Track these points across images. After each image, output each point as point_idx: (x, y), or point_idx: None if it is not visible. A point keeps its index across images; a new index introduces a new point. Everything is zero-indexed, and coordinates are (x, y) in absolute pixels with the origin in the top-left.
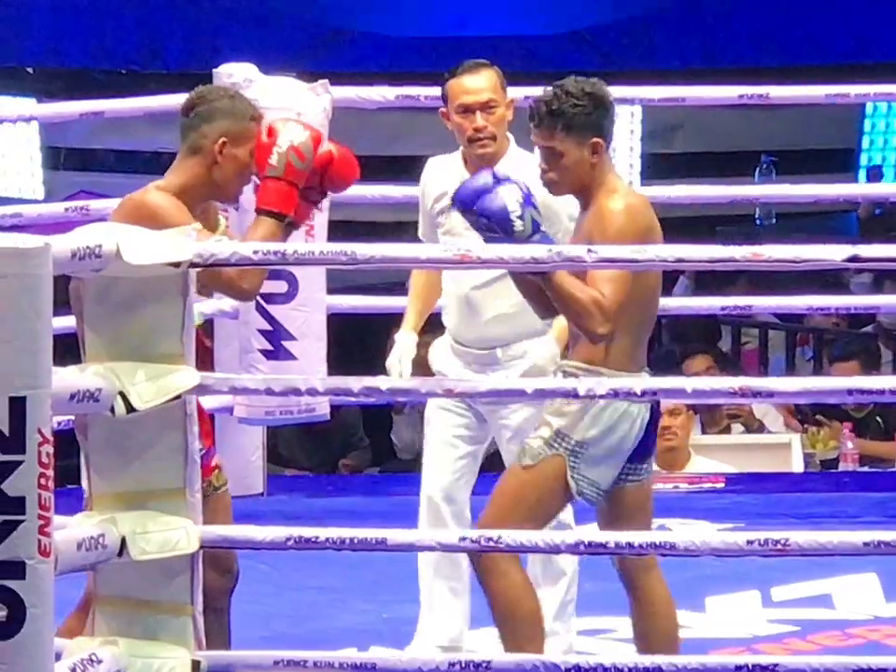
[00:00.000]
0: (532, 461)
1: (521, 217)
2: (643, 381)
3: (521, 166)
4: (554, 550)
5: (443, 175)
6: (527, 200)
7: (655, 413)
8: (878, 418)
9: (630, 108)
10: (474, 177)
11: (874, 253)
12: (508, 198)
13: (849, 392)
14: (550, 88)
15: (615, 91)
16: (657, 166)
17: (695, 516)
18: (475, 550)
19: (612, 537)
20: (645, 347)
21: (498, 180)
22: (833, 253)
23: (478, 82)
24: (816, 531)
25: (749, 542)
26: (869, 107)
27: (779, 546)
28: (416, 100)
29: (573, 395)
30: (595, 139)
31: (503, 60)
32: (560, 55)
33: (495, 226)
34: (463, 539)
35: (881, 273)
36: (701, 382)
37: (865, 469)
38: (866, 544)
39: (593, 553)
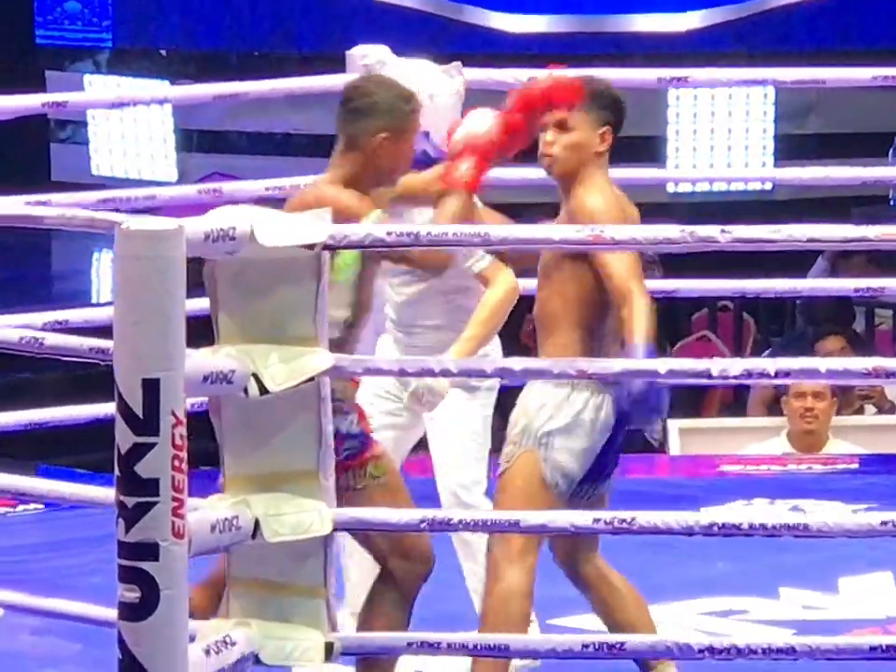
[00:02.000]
0: (507, 463)
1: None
2: (777, 361)
3: None
4: (688, 531)
5: None
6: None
7: (617, 433)
8: None
9: (763, 90)
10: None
11: None
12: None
13: None
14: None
15: (749, 73)
16: (790, 147)
17: (829, 497)
18: (609, 531)
19: (745, 517)
20: (609, 346)
21: None
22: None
23: None
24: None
25: (884, 523)
26: None
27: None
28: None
29: (706, 375)
30: (606, 127)
31: (635, 45)
32: (695, 38)
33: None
34: (597, 520)
35: None
36: (835, 362)
37: None
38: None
39: (728, 535)
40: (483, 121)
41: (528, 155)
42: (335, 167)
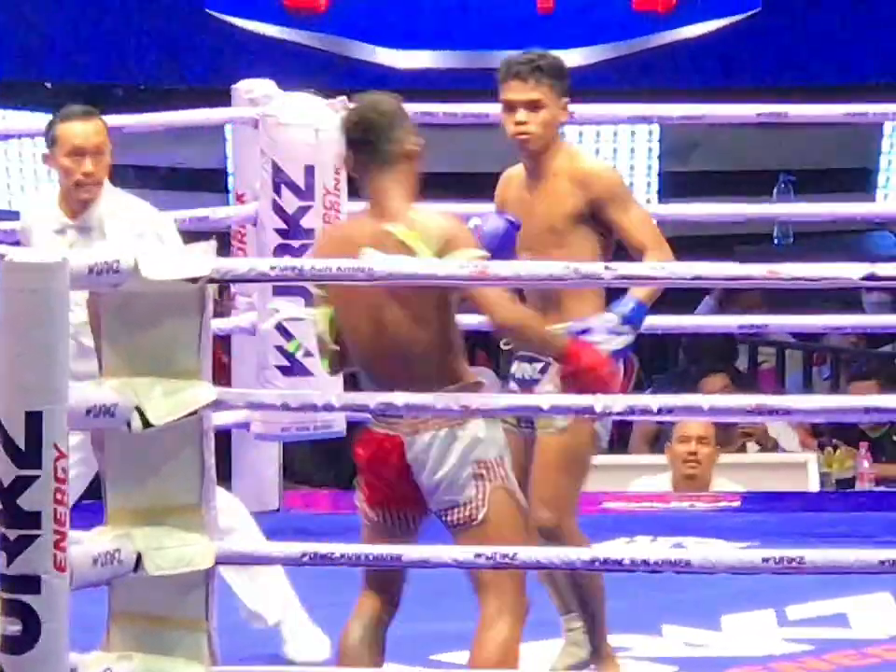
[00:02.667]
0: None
1: (621, 334)
2: (660, 398)
3: (119, 208)
4: (570, 566)
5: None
6: (608, 328)
7: None
8: (895, 438)
9: (648, 127)
10: (489, 223)
11: (891, 271)
12: (607, 346)
13: (866, 411)
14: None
15: (634, 110)
16: (675, 184)
17: (711, 535)
18: (491, 567)
19: (627, 553)
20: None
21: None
22: (850, 271)
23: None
24: (831, 549)
25: (765, 560)
26: (887, 127)
27: (795, 564)
28: (434, 116)
29: (590, 412)
30: (566, 98)
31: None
32: (581, 75)
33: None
34: (478, 555)
35: None
36: (718, 399)
37: (881, 488)
38: (882, 563)
39: (610, 571)
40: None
41: None
42: (391, 189)
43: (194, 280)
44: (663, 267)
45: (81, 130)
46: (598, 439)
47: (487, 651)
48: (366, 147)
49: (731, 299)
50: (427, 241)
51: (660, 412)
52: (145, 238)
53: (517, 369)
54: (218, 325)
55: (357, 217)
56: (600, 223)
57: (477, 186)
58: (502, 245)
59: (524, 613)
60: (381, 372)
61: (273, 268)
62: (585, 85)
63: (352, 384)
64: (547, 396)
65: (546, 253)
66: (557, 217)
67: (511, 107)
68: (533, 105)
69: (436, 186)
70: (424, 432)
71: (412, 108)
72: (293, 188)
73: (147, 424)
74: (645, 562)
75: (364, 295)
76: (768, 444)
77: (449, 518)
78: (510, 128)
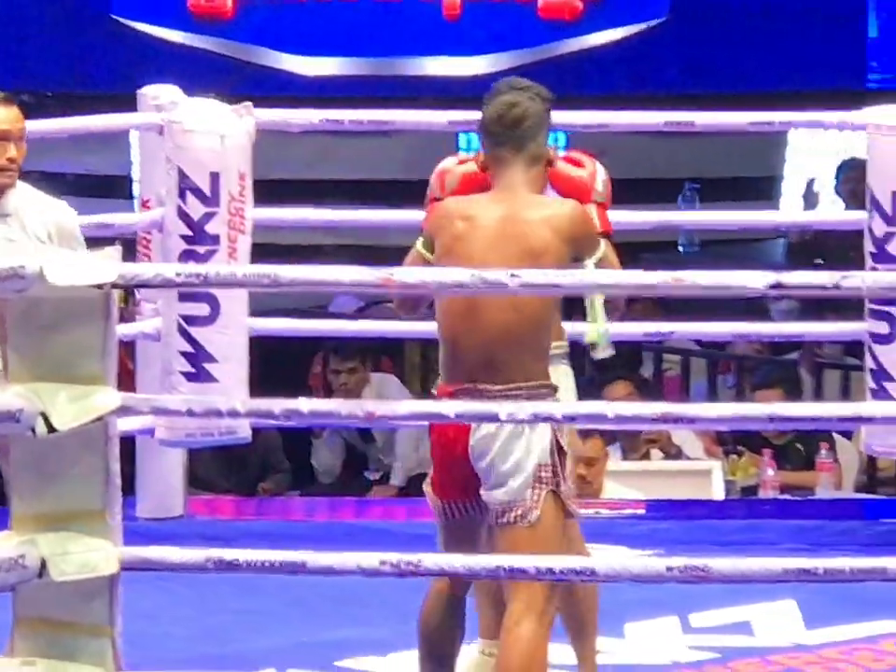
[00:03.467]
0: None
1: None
2: (565, 405)
3: (38, 201)
4: (475, 575)
5: None
6: None
7: None
8: (799, 446)
9: (554, 134)
10: None
11: (797, 280)
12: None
13: (770, 419)
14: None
15: None
16: None
17: (615, 542)
18: (395, 574)
19: (532, 561)
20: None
21: None
22: (755, 280)
23: (12, 114)
24: (736, 558)
25: (669, 569)
26: (791, 135)
27: (699, 572)
28: (340, 123)
29: (495, 419)
30: None
31: (426, 88)
32: (487, 82)
33: None
34: (384, 562)
35: (813, 302)
36: (623, 407)
37: (786, 496)
38: (786, 571)
39: (513, 579)
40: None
41: None
42: (525, 186)
43: (99, 286)
44: (569, 274)
45: (5, 115)
46: None
47: (515, 648)
48: (510, 135)
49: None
50: (563, 231)
51: (565, 419)
52: (64, 234)
53: None
54: (123, 330)
55: (490, 199)
56: None
57: (379, 193)
58: None
59: (553, 611)
60: (464, 348)
61: (178, 274)
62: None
63: (257, 389)
64: (455, 404)
65: None
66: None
67: None
68: None
69: (339, 193)
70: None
71: (316, 115)
72: (198, 194)
73: (51, 429)
74: (550, 570)
75: (489, 264)
76: (672, 451)
77: (499, 514)
78: None
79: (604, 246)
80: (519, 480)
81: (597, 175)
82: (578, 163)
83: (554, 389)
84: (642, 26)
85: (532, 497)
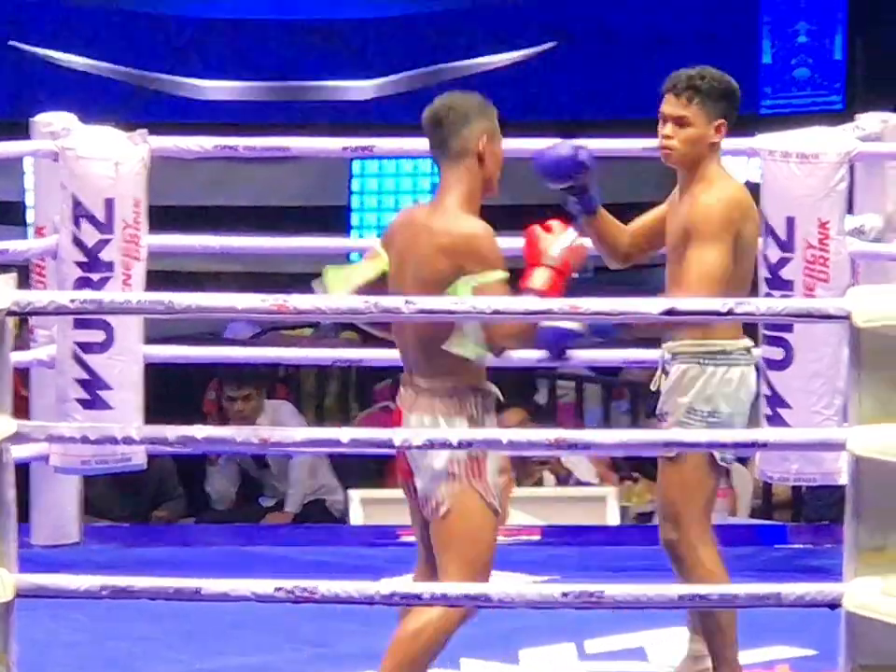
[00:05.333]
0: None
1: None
2: (460, 431)
3: None
4: (369, 601)
5: None
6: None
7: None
8: None
9: None
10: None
11: (691, 306)
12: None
13: (665, 444)
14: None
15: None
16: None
17: (511, 568)
18: (290, 601)
19: (426, 587)
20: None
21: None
22: (649, 306)
23: None
24: (630, 584)
25: (564, 595)
26: None
27: (594, 598)
28: (234, 150)
29: (389, 445)
30: (720, 120)
31: (321, 114)
32: (380, 107)
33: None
34: (278, 588)
35: None
36: (517, 433)
37: None
38: (681, 597)
39: (407, 605)
40: (578, 241)
41: None
42: (451, 185)
43: None
44: (462, 302)
45: None
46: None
47: (413, 618)
48: (434, 138)
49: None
50: (447, 247)
51: (460, 445)
52: None
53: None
54: (17, 358)
55: (425, 205)
56: None
57: (275, 218)
58: (551, 169)
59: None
60: (401, 345)
61: (73, 301)
62: (385, 118)
63: (152, 416)
64: (350, 431)
65: (671, 266)
66: (677, 236)
67: (663, 119)
68: (680, 122)
69: (235, 219)
70: (416, 413)
71: (211, 142)
72: (93, 221)
73: None
74: (444, 596)
75: (406, 267)
76: (562, 473)
77: (422, 504)
78: (658, 139)
79: (494, 277)
80: (430, 473)
81: (557, 242)
82: (548, 228)
83: (478, 389)
84: (535, 50)
85: (444, 491)
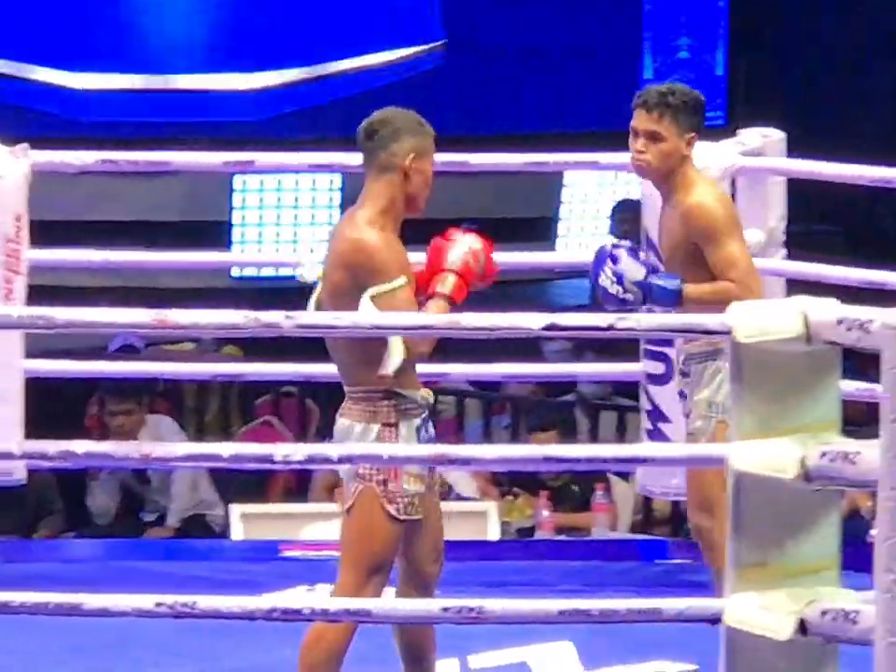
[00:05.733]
0: (703, 436)
1: (627, 291)
2: (340, 447)
3: None
4: (249, 616)
5: None
6: (617, 274)
7: None
8: (574, 487)
9: (330, 176)
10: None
11: (571, 321)
12: (606, 283)
13: (546, 460)
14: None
15: (315, 158)
16: None
17: (390, 583)
18: (171, 615)
19: (307, 602)
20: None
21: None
22: (530, 321)
23: None
24: (512, 599)
25: (445, 610)
26: (567, 176)
27: (475, 614)
28: (116, 165)
29: (269, 460)
30: (692, 134)
31: (203, 129)
32: (263, 123)
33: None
34: (159, 604)
35: (582, 342)
36: (398, 448)
37: (561, 537)
38: (562, 612)
39: (289, 620)
40: (478, 247)
41: None
42: (369, 196)
43: None
44: (343, 317)
45: None
46: None
47: (311, 630)
48: (364, 148)
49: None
50: (343, 259)
51: (340, 461)
52: None
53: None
54: None
55: (349, 209)
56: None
57: (157, 234)
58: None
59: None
60: (331, 355)
61: None
62: (266, 133)
63: (33, 430)
64: (231, 445)
65: (672, 267)
66: (672, 247)
67: (634, 134)
68: (652, 137)
69: (118, 233)
70: (341, 417)
71: (92, 156)
72: None
73: None
74: (324, 611)
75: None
76: (443, 488)
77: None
78: (632, 153)
79: (393, 285)
80: (346, 471)
81: (455, 248)
82: (447, 237)
83: (395, 394)
84: (415, 48)
85: (352, 490)
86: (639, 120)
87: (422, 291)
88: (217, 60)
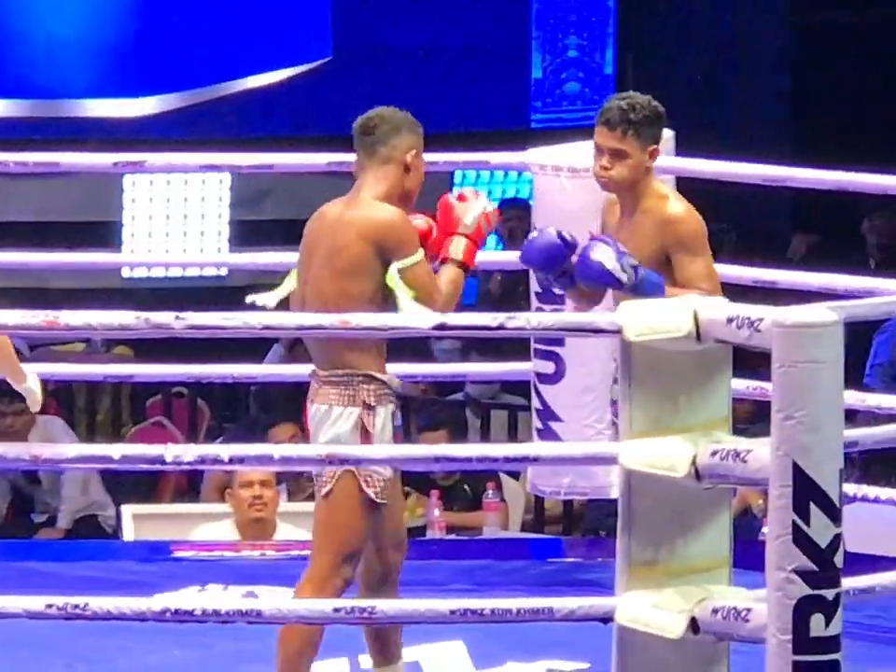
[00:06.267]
0: None
1: (623, 271)
2: (232, 447)
3: None
4: (141, 617)
5: None
6: (619, 252)
7: None
8: (466, 486)
9: (219, 176)
10: (537, 239)
11: (461, 321)
12: (604, 258)
13: (436, 459)
14: (618, 97)
15: (204, 159)
16: (246, 233)
17: (284, 583)
18: (62, 617)
19: (198, 603)
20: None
21: (573, 243)
22: (420, 321)
23: None
24: (403, 599)
25: (336, 610)
26: (458, 175)
27: (366, 614)
28: (5, 166)
29: (160, 461)
30: (653, 146)
31: (92, 130)
32: (151, 123)
33: (599, 286)
34: (49, 605)
35: (469, 342)
36: (288, 449)
37: (453, 536)
38: (453, 612)
39: (181, 621)
40: (490, 209)
41: None
42: (371, 183)
43: None
44: (234, 317)
45: None
46: None
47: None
48: (362, 143)
49: (293, 347)
50: (366, 232)
51: (231, 461)
52: None
53: None
54: None
55: (337, 202)
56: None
57: (48, 234)
58: (544, 263)
59: (339, 581)
60: (305, 338)
61: None
62: (155, 134)
63: None
64: (122, 447)
65: None
66: (642, 257)
67: (598, 151)
68: (616, 154)
69: (8, 234)
70: (315, 402)
71: None
72: None
73: None
74: (216, 612)
75: (312, 261)
76: None
77: (315, 482)
78: (595, 168)
79: (415, 259)
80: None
81: (470, 210)
82: (461, 197)
83: (374, 378)
84: (306, 67)
85: (328, 472)
86: (602, 138)
87: (432, 249)
88: (106, 85)
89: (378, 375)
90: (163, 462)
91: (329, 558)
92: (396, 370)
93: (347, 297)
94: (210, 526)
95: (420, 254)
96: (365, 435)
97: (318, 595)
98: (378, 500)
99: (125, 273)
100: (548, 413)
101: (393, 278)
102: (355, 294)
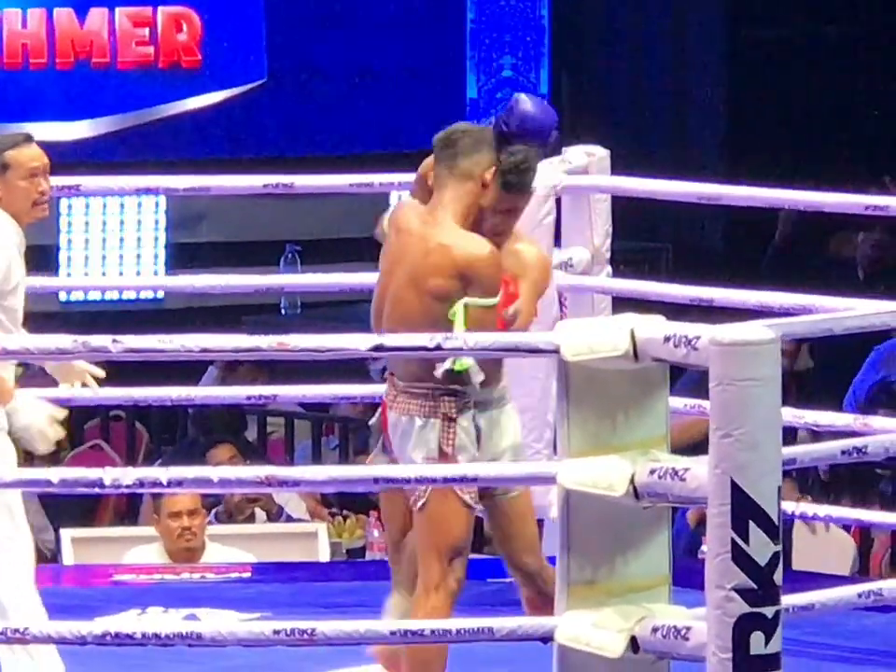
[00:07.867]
0: None
1: None
2: (170, 470)
3: None
4: (81, 641)
5: None
6: None
7: None
8: None
9: (155, 199)
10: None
11: (398, 342)
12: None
13: (375, 480)
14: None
15: (140, 182)
16: (182, 256)
17: (222, 606)
18: (1, 642)
19: (138, 626)
20: None
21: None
22: (357, 342)
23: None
24: (342, 620)
25: (276, 632)
26: (393, 196)
27: (307, 636)
28: None
29: (99, 485)
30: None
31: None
32: (87, 147)
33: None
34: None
35: None
36: (227, 471)
37: None
38: (393, 633)
39: (121, 645)
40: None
41: None
42: (448, 202)
43: None
44: (170, 340)
45: (38, 152)
46: None
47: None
48: (443, 156)
49: (231, 369)
50: (461, 266)
51: (170, 484)
52: None
53: None
54: None
55: (415, 209)
56: None
57: None
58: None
59: (451, 583)
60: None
61: None
62: (91, 157)
63: None
64: (60, 470)
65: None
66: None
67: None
68: None
69: None
70: (395, 410)
71: None
72: None
73: None
74: (156, 635)
75: (397, 268)
76: (274, 510)
77: (408, 496)
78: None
79: (488, 303)
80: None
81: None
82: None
83: (455, 392)
84: (241, 89)
85: (420, 488)
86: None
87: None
88: (41, 108)
89: (458, 388)
90: (102, 486)
91: (437, 565)
92: (333, 391)
93: (434, 320)
94: (140, 549)
95: (495, 301)
96: (441, 453)
97: (437, 600)
98: (472, 504)
99: (62, 296)
100: None
101: (458, 308)
102: (440, 317)
